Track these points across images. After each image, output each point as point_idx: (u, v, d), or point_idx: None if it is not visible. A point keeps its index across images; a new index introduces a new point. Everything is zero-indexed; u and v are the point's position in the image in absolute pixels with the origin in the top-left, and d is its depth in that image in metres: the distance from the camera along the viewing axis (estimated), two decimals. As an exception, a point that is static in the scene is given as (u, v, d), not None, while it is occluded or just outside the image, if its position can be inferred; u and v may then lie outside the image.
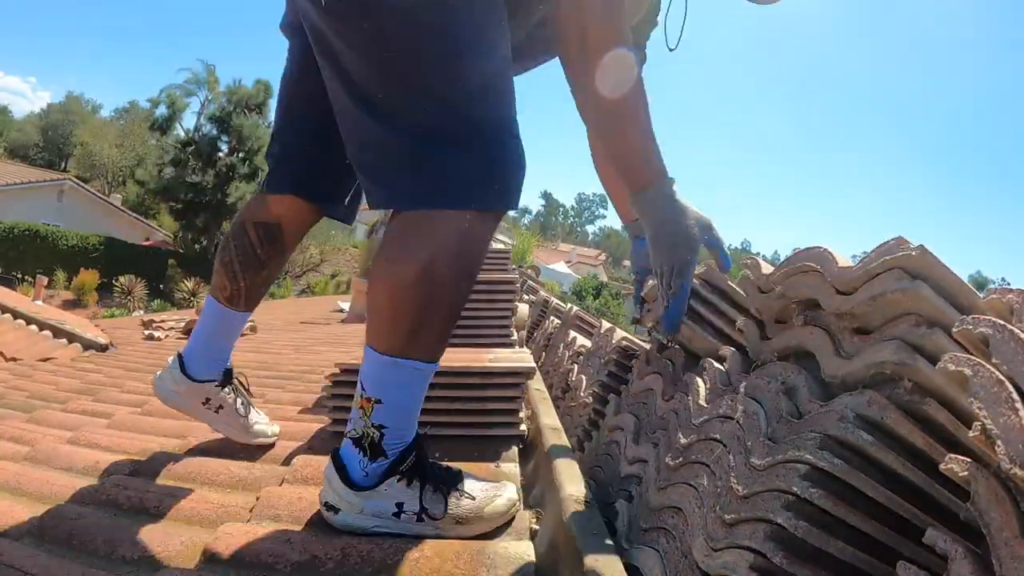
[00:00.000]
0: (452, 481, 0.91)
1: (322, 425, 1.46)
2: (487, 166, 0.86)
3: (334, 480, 0.88)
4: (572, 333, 2.65)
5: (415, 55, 0.82)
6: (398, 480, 0.88)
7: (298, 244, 1.23)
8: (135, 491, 1.06)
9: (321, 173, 1.11)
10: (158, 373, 1.18)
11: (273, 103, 11.49)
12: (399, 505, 0.88)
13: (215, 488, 1.12)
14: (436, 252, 0.83)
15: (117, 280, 14.87)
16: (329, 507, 0.89)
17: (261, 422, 1.29)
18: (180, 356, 1.16)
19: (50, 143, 39.84)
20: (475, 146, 0.85)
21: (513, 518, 0.95)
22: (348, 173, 1.10)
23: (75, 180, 22.49)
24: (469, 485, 0.92)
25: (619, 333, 2.10)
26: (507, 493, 0.94)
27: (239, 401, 1.23)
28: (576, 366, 2.40)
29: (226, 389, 1.20)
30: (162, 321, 5.17)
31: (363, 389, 0.88)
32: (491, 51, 0.86)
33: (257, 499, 1.00)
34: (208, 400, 1.18)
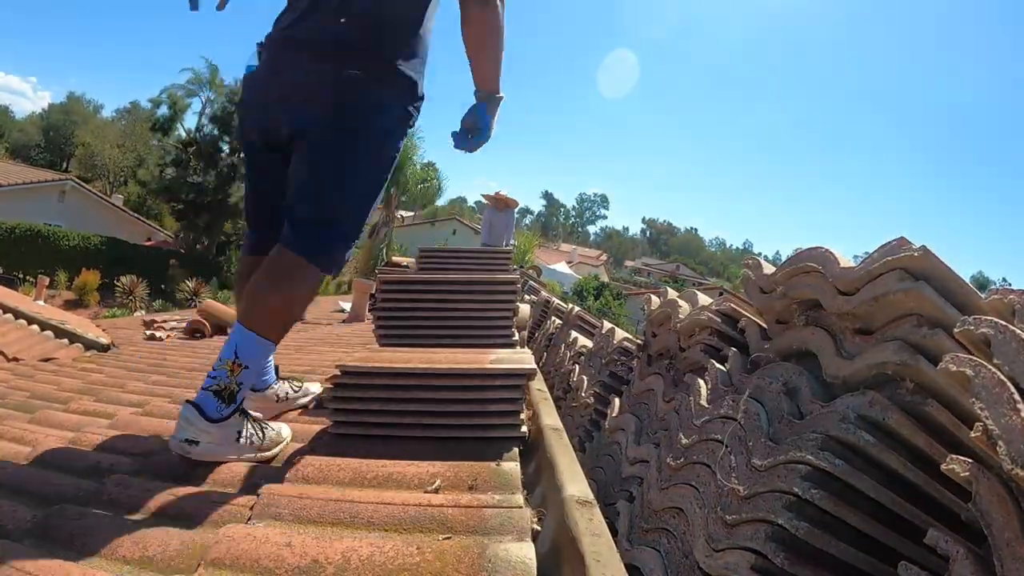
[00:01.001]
0: (251, 416, 1.31)
1: (323, 426, 1.46)
2: (343, 256, 1.40)
3: (195, 419, 1.19)
4: (573, 333, 2.65)
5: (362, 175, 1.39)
6: (238, 416, 1.25)
7: None
8: (136, 491, 1.06)
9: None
10: (177, 436, 1.35)
11: None
12: (238, 432, 1.25)
13: (216, 488, 1.12)
14: (306, 288, 1.36)
15: (118, 280, 14.87)
16: (190, 442, 1.18)
17: (305, 389, 1.68)
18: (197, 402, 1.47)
19: (52, 143, 39.91)
20: (350, 244, 1.41)
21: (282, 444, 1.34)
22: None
23: (77, 180, 22.51)
24: (268, 427, 1.34)
25: (620, 333, 2.09)
26: (283, 432, 1.37)
27: (292, 385, 1.66)
28: (577, 366, 2.40)
29: (278, 384, 1.61)
30: (163, 321, 5.18)
31: (236, 356, 1.24)
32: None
33: (258, 498, 1.00)
34: (277, 398, 1.59)
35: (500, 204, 7.01)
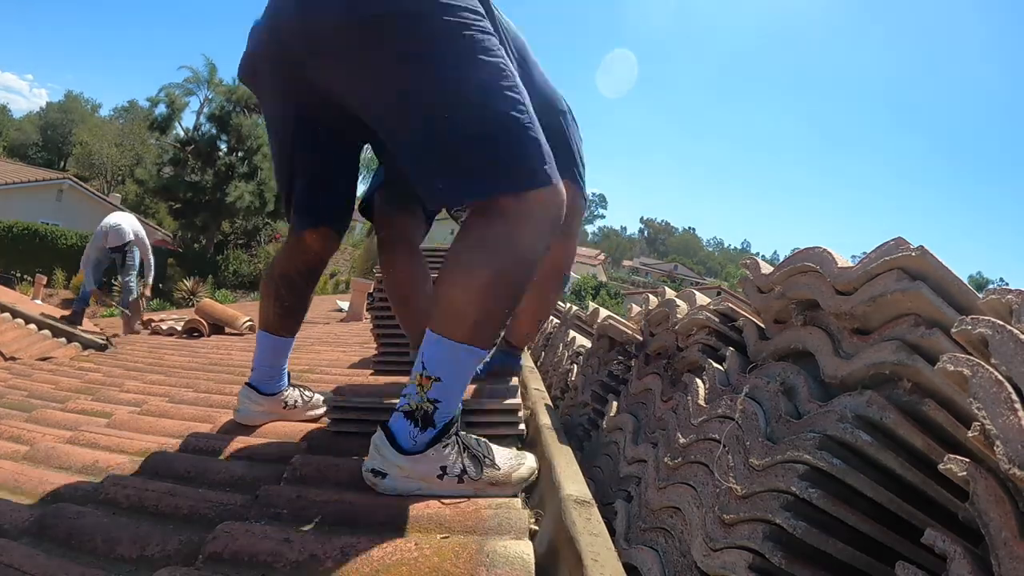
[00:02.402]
0: (484, 449, 1.03)
1: (320, 426, 1.46)
2: (524, 137, 0.99)
3: (384, 448, 0.98)
4: (571, 333, 2.65)
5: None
6: (443, 447, 0.98)
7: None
8: (134, 490, 1.06)
9: (334, 204, 1.35)
10: (238, 409, 1.47)
11: None
12: (443, 468, 0.98)
13: (214, 487, 1.12)
14: (507, 259, 0.97)
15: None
16: (376, 473, 0.99)
17: (315, 401, 1.56)
18: (250, 384, 1.46)
19: (49, 142, 39.82)
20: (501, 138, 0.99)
21: (535, 479, 1.08)
22: (350, 199, 1.38)
23: (74, 179, 22.46)
24: (497, 454, 1.05)
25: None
26: (528, 462, 1.08)
27: (302, 394, 1.54)
28: (575, 366, 2.40)
29: (289, 390, 1.51)
30: (161, 320, 5.17)
31: (423, 368, 0.98)
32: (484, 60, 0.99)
33: (256, 498, 1.00)
34: (285, 404, 1.49)
35: None
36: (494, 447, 1.05)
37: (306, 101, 1.16)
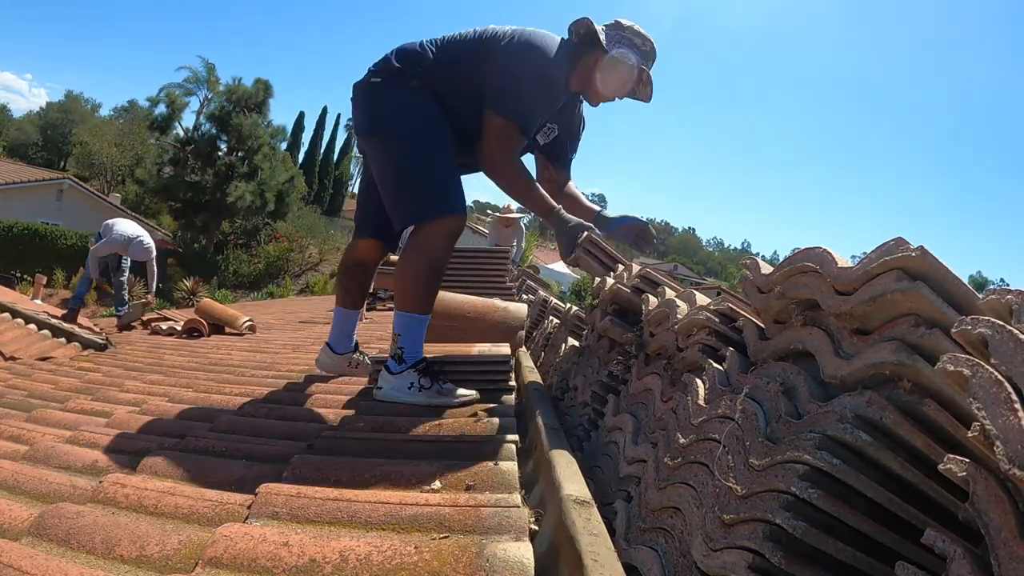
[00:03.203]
0: (438, 376, 1.68)
1: (320, 426, 1.46)
2: (431, 193, 1.72)
3: (383, 372, 1.69)
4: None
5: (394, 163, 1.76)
6: (411, 372, 1.66)
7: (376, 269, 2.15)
8: (133, 489, 1.06)
9: (383, 224, 1.87)
10: (317, 359, 2.09)
11: (272, 102, 19.55)
12: (410, 384, 1.65)
13: (213, 486, 1.12)
14: (426, 259, 1.70)
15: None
16: (378, 387, 1.70)
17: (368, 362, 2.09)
18: (328, 344, 2.05)
19: (49, 142, 39.80)
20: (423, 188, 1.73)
21: (471, 403, 1.64)
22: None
23: (74, 179, 22.43)
24: (457, 390, 1.68)
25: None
26: (473, 395, 1.68)
27: (364, 358, 2.10)
28: (575, 366, 2.39)
29: (356, 353, 2.09)
30: (161, 319, 5.16)
31: (393, 330, 1.71)
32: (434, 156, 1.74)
33: (255, 497, 1.00)
34: (350, 363, 2.07)
35: (503, 223, 7.06)
36: (459, 389, 1.68)
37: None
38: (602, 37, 1.75)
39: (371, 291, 3.96)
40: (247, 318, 4.60)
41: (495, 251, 3.63)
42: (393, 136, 1.71)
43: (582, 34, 1.80)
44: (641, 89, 1.87)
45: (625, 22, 1.83)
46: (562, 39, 1.78)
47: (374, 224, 1.96)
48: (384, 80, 1.71)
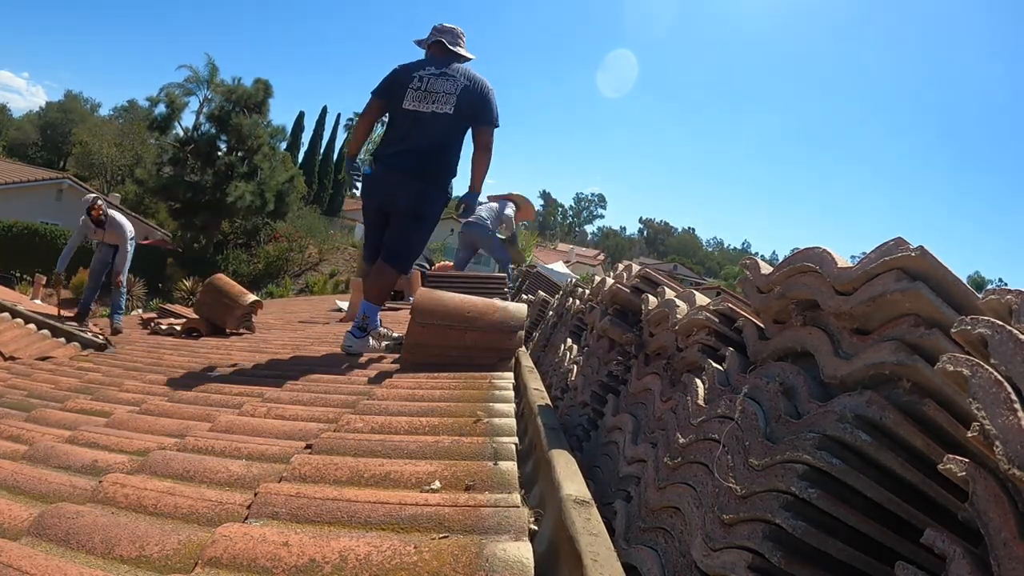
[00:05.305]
0: (389, 336, 2.94)
1: (320, 426, 1.46)
2: (409, 266, 3.09)
3: (349, 336, 2.82)
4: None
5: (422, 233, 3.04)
6: (367, 337, 2.85)
7: None
8: (133, 489, 1.06)
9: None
10: (343, 344, 2.86)
11: (272, 102, 20.35)
12: (369, 343, 2.83)
13: (213, 486, 1.12)
14: (389, 279, 2.99)
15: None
16: (348, 345, 2.79)
17: (391, 335, 3.00)
18: (351, 331, 2.88)
19: (49, 142, 39.81)
20: (412, 260, 3.10)
21: (395, 343, 2.88)
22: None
23: (74, 179, 22.42)
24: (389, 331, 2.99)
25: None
26: (396, 335, 2.90)
27: (389, 334, 2.98)
28: (575, 366, 2.40)
29: (377, 331, 2.95)
30: (160, 319, 5.15)
31: (363, 313, 2.85)
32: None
33: (255, 496, 1.00)
34: (375, 337, 2.91)
35: (494, 199, 7.17)
36: (394, 333, 2.92)
37: (384, 213, 2.94)
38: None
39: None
40: (255, 296, 4.60)
41: (492, 277, 4.27)
42: (428, 225, 2.93)
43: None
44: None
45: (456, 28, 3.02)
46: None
47: (378, 253, 3.07)
48: (442, 193, 2.87)
